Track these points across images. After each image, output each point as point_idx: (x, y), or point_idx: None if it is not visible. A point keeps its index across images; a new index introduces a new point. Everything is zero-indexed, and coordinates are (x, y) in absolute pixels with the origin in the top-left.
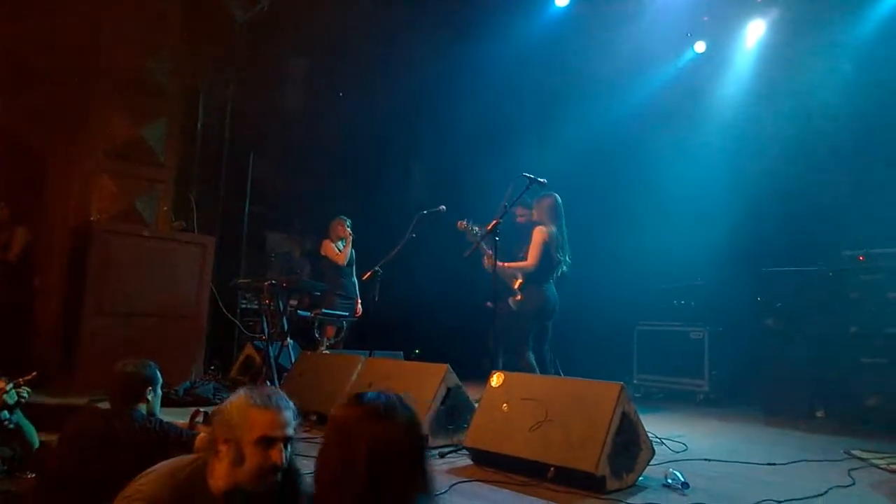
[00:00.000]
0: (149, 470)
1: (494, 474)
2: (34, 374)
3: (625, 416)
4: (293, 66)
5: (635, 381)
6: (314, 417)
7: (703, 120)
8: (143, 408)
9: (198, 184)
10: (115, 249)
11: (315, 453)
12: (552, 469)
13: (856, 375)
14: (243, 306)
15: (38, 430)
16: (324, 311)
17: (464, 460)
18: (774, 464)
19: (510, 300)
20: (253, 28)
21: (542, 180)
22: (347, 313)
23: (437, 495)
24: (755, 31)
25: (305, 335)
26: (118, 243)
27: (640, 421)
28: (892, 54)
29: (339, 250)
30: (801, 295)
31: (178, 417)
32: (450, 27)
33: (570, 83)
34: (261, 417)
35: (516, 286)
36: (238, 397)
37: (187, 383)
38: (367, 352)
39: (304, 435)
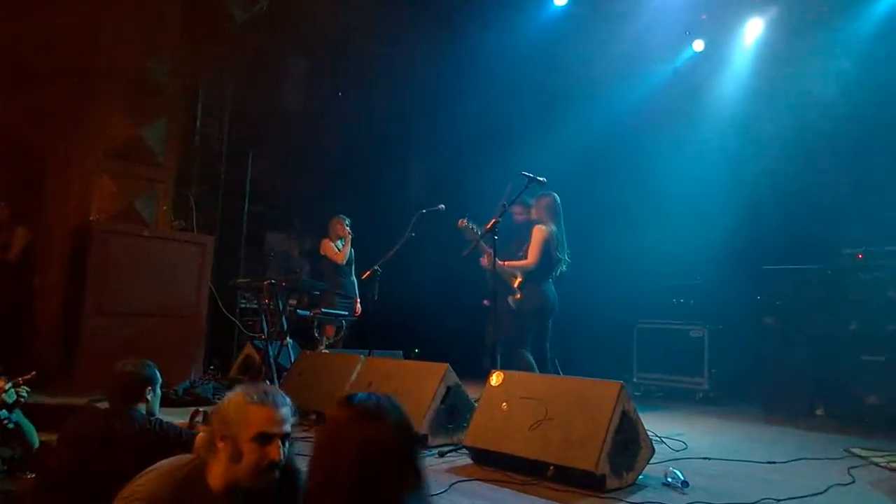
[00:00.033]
0: (147, 469)
1: (494, 473)
2: (33, 373)
3: (624, 415)
4: (293, 66)
5: (635, 380)
6: (314, 417)
7: (701, 118)
8: (142, 407)
9: (197, 184)
10: (114, 249)
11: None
12: (552, 468)
13: (856, 374)
14: (243, 306)
15: (37, 429)
16: (323, 310)
17: (464, 459)
18: (774, 462)
19: (509, 299)
20: (253, 28)
21: (541, 179)
22: (347, 312)
23: (429, 494)
24: (753, 30)
25: (305, 334)
26: (118, 243)
27: (640, 419)
28: (891, 52)
29: (339, 249)
30: (800, 293)
31: (177, 417)
32: (449, 27)
33: (568, 82)
34: (258, 414)
35: (516, 285)
36: (235, 394)
37: (187, 383)
38: (367, 351)
39: (304, 434)
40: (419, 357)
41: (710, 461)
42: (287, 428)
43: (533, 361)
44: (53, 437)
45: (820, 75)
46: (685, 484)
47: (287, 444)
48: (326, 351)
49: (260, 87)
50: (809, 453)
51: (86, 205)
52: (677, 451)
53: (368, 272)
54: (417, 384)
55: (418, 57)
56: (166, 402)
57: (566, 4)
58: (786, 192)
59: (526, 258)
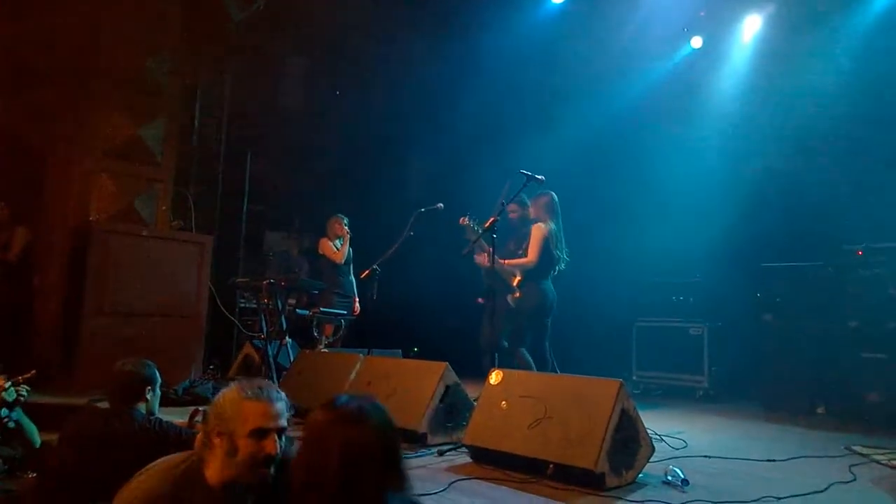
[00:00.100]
0: (146, 468)
1: (494, 472)
2: (33, 371)
3: (624, 413)
4: (292, 66)
5: (634, 378)
6: None
7: (700, 115)
8: (142, 407)
9: (196, 183)
10: (114, 249)
11: None
12: (551, 466)
13: (856, 371)
14: (242, 305)
15: (38, 429)
16: (322, 309)
17: (463, 458)
18: (774, 460)
19: (509, 298)
20: (251, 27)
21: (539, 177)
22: (345, 312)
23: (413, 494)
24: (751, 26)
25: (304, 334)
26: (117, 243)
27: (640, 417)
28: (889, 47)
29: (337, 248)
30: (800, 290)
31: (177, 416)
32: (447, 26)
33: (567, 80)
34: (253, 409)
35: (515, 283)
36: (230, 390)
37: (186, 382)
38: (366, 350)
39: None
40: (418, 356)
41: (710, 459)
42: (282, 422)
43: (531, 360)
44: (54, 437)
45: (818, 71)
46: (685, 482)
47: (283, 439)
48: (325, 350)
49: (258, 86)
50: (810, 451)
51: (85, 205)
52: (677, 449)
53: (367, 271)
54: (416, 383)
55: (416, 56)
56: (166, 401)
57: (564, 2)
58: (785, 188)
59: (525, 257)
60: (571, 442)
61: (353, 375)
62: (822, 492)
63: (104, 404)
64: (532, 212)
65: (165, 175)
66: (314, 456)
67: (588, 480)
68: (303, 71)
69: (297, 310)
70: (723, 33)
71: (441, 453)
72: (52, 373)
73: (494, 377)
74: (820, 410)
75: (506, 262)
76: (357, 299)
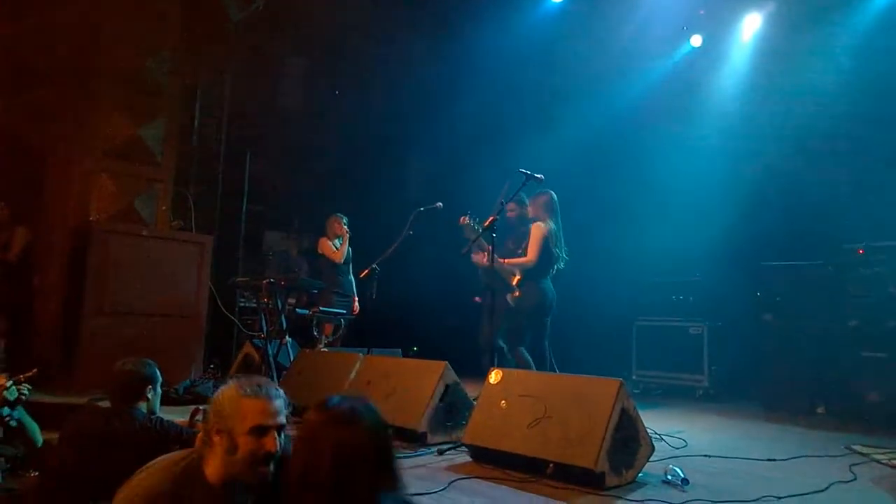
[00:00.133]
0: (145, 466)
1: (493, 471)
2: (34, 370)
3: (624, 413)
4: (291, 66)
5: (634, 377)
6: None
7: (700, 114)
8: (143, 406)
9: (196, 183)
10: (114, 249)
11: None
12: (551, 465)
13: (856, 370)
14: (242, 305)
15: (40, 428)
16: (321, 308)
17: (463, 457)
18: (775, 459)
19: (508, 296)
20: (251, 27)
21: (538, 176)
22: (345, 311)
23: (406, 494)
24: (751, 25)
25: (304, 333)
26: (117, 243)
27: (640, 417)
28: (890, 45)
29: (336, 248)
30: (800, 289)
31: (178, 416)
32: (446, 26)
33: (566, 79)
34: (252, 407)
35: (515, 283)
36: (228, 388)
37: (187, 381)
38: (365, 349)
39: None
40: (418, 355)
41: (710, 459)
42: (281, 419)
43: (530, 359)
44: (55, 436)
45: (818, 70)
46: (685, 481)
47: (282, 436)
48: (325, 349)
49: (258, 86)
50: (810, 450)
51: (85, 205)
52: (677, 448)
53: (367, 270)
54: (416, 382)
55: (416, 56)
56: (167, 400)
57: (563, 2)
58: (785, 187)
59: (525, 256)
60: (571, 441)
61: (352, 375)
62: (822, 491)
63: (105, 403)
64: (531, 211)
65: (165, 175)
66: (307, 457)
67: (588, 480)
68: (302, 71)
69: (297, 309)
70: (723, 32)
71: (441, 452)
72: (52, 372)
73: (494, 376)
74: (820, 410)
75: (505, 261)
76: (356, 298)
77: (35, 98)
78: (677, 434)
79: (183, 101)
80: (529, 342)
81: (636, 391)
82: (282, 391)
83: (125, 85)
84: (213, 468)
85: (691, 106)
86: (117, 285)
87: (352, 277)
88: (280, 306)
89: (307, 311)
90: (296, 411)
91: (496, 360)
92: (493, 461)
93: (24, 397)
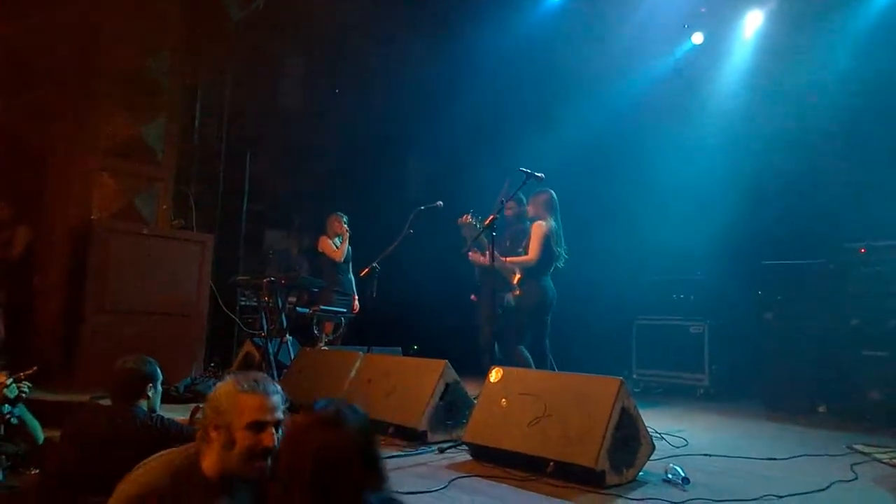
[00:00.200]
0: (143, 462)
1: (494, 469)
2: (34, 368)
3: (624, 411)
4: (291, 66)
5: (635, 376)
6: None
7: (701, 112)
8: (143, 404)
9: (196, 182)
10: (115, 248)
11: None
12: (551, 464)
13: (857, 369)
14: (242, 303)
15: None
16: (322, 307)
17: (463, 455)
18: (775, 458)
19: (509, 295)
20: (252, 27)
21: (539, 175)
22: (345, 310)
23: (392, 493)
24: (753, 22)
25: (304, 332)
26: (118, 241)
27: (640, 416)
28: (891, 43)
29: (337, 247)
30: (801, 288)
31: (178, 414)
32: (446, 26)
33: (566, 78)
34: (250, 402)
35: (515, 281)
36: (225, 384)
37: (188, 380)
38: (366, 348)
39: None
40: (418, 354)
41: (711, 458)
42: (279, 415)
43: (530, 358)
44: (56, 434)
45: (820, 67)
46: (686, 480)
47: (280, 431)
48: (326, 348)
49: (258, 86)
50: (811, 450)
51: (86, 203)
52: (678, 447)
53: (367, 269)
54: (416, 381)
55: (416, 56)
56: (167, 398)
57: (563, 1)
58: (786, 186)
59: (525, 254)
60: (571, 440)
61: (353, 373)
62: (823, 490)
63: (106, 401)
64: (531, 209)
65: (166, 174)
66: (292, 458)
67: (588, 478)
68: (302, 71)
69: (298, 308)
70: (724, 30)
71: (441, 451)
72: (53, 371)
73: (494, 375)
74: (821, 409)
75: (507, 259)
76: (357, 297)
77: (35, 98)
78: (678, 433)
79: (183, 101)
80: (530, 341)
81: (636, 390)
82: (279, 387)
83: (125, 84)
84: (210, 463)
85: (692, 104)
86: (118, 284)
87: (352, 276)
88: (280, 305)
89: (307, 310)
90: (295, 409)
91: (494, 357)
92: (493, 459)
93: (24, 395)
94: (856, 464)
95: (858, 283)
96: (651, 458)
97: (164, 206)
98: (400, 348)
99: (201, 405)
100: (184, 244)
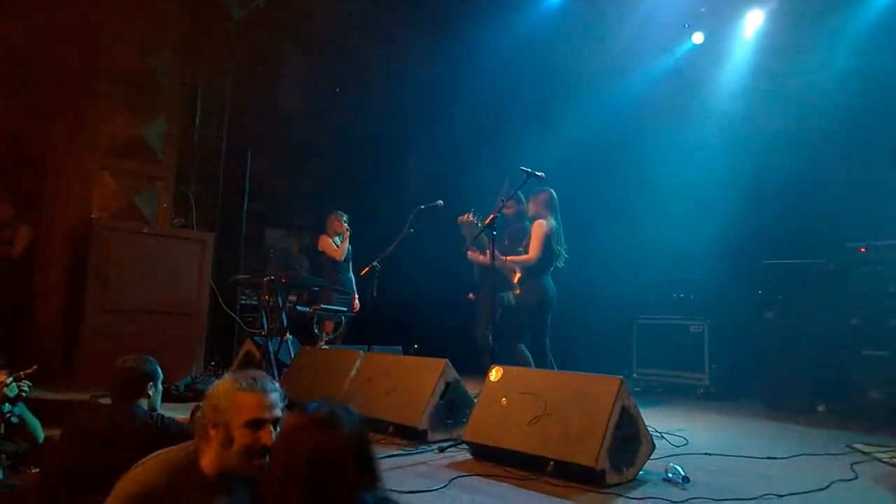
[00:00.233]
0: (142, 460)
1: (494, 468)
2: (34, 367)
3: (624, 411)
4: (291, 66)
5: (635, 375)
6: None
7: (701, 111)
8: (144, 403)
9: (197, 182)
10: (115, 247)
11: None
12: (552, 463)
13: (857, 368)
14: (243, 302)
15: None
16: (322, 306)
17: (463, 454)
18: (775, 458)
19: (510, 294)
20: (252, 26)
21: (539, 174)
22: (345, 308)
23: (386, 492)
24: (753, 22)
25: (305, 331)
26: (118, 240)
27: (640, 415)
28: (892, 42)
29: (337, 246)
30: (801, 288)
31: (179, 413)
32: (446, 26)
33: (567, 78)
34: (248, 400)
35: (516, 280)
36: (224, 382)
37: (188, 379)
38: (366, 347)
39: None
40: (418, 353)
41: (711, 457)
42: (277, 412)
43: (530, 357)
44: (56, 433)
45: (820, 67)
46: (686, 479)
47: (278, 429)
48: (326, 347)
49: (258, 86)
50: (811, 449)
51: (86, 203)
52: (678, 446)
53: (367, 268)
54: (417, 380)
55: (416, 56)
56: (168, 397)
57: (563, 0)
58: (787, 185)
59: (525, 253)
60: (571, 439)
61: (353, 372)
62: (823, 490)
63: (106, 400)
64: (531, 208)
65: (166, 173)
66: (286, 459)
67: (588, 477)
68: (302, 71)
69: (298, 307)
70: (724, 29)
71: (441, 450)
72: (53, 370)
73: (494, 374)
74: (821, 408)
75: (507, 258)
76: (357, 296)
77: (35, 98)
78: (678, 432)
79: (183, 101)
80: (530, 340)
81: (637, 389)
82: (277, 384)
83: (126, 84)
84: (208, 461)
85: (692, 104)
86: (118, 283)
87: (352, 275)
88: (281, 304)
89: (308, 309)
90: (291, 406)
91: (495, 357)
92: (493, 459)
93: (24, 394)
94: (856, 463)
95: (858, 282)
96: (651, 457)
97: (165, 205)
98: (400, 347)
99: (202, 404)
100: (184, 243)
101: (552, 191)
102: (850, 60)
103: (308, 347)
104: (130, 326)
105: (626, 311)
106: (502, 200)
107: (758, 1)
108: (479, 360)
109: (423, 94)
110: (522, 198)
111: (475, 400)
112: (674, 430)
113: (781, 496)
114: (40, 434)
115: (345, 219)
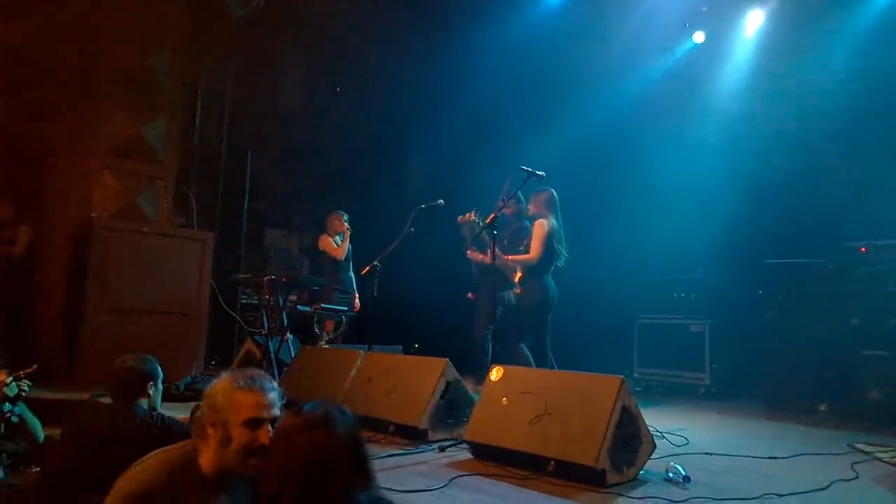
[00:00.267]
0: (142, 459)
1: (494, 468)
2: (34, 366)
3: (625, 410)
4: (291, 65)
5: (636, 375)
6: None
7: (702, 111)
8: (144, 402)
9: (197, 181)
10: (115, 246)
11: None
12: (552, 462)
13: (858, 368)
14: (243, 301)
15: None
16: (322, 305)
17: (464, 454)
18: (776, 457)
19: (510, 294)
20: (252, 25)
21: (539, 173)
22: (346, 308)
23: (380, 491)
24: (754, 21)
25: (305, 330)
26: (118, 240)
27: (641, 414)
28: (893, 42)
29: (337, 245)
30: (802, 287)
31: (179, 412)
32: (446, 26)
33: (567, 77)
34: (246, 400)
35: (516, 280)
36: (222, 381)
37: (188, 378)
38: (366, 346)
39: None
40: (419, 352)
41: (712, 456)
42: (275, 412)
43: (530, 356)
44: (56, 433)
45: (820, 67)
46: (686, 479)
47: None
48: (326, 346)
49: (259, 86)
50: (812, 449)
51: (87, 203)
52: (678, 446)
53: (368, 268)
54: (417, 379)
55: (416, 56)
56: (168, 397)
57: (562, 0)
58: (787, 185)
59: (527, 252)
60: (572, 438)
61: (353, 372)
62: (823, 489)
63: (106, 400)
64: (532, 208)
65: (167, 173)
66: (281, 459)
67: (589, 477)
68: (302, 70)
69: (298, 306)
70: (725, 29)
71: (442, 449)
72: (53, 370)
73: (495, 373)
74: (822, 408)
75: (508, 257)
76: (357, 295)
77: (35, 98)
78: (679, 432)
79: (184, 100)
80: (531, 339)
81: (637, 389)
82: (275, 383)
83: (126, 84)
84: (207, 460)
85: (693, 103)
86: (118, 283)
87: (352, 274)
88: (281, 303)
89: (308, 308)
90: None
91: (494, 356)
92: (494, 458)
93: (24, 393)
94: (856, 463)
95: (858, 282)
96: (652, 456)
97: (165, 205)
98: (401, 347)
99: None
100: (184, 242)
101: (553, 190)
102: (850, 60)
103: (308, 347)
104: (130, 326)
105: (627, 310)
106: (503, 200)
107: (758, 1)
108: (479, 359)
109: (423, 94)
110: (522, 197)
111: (475, 399)
112: (674, 429)
113: (782, 496)
114: (40, 433)
115: (345, 218)
